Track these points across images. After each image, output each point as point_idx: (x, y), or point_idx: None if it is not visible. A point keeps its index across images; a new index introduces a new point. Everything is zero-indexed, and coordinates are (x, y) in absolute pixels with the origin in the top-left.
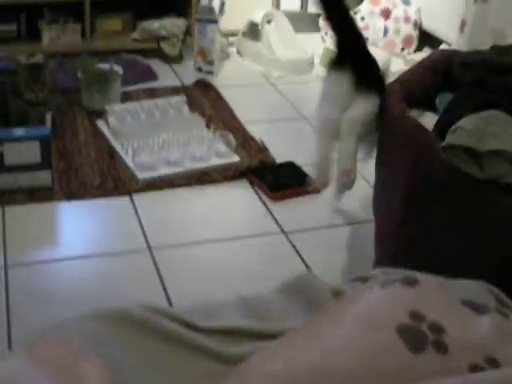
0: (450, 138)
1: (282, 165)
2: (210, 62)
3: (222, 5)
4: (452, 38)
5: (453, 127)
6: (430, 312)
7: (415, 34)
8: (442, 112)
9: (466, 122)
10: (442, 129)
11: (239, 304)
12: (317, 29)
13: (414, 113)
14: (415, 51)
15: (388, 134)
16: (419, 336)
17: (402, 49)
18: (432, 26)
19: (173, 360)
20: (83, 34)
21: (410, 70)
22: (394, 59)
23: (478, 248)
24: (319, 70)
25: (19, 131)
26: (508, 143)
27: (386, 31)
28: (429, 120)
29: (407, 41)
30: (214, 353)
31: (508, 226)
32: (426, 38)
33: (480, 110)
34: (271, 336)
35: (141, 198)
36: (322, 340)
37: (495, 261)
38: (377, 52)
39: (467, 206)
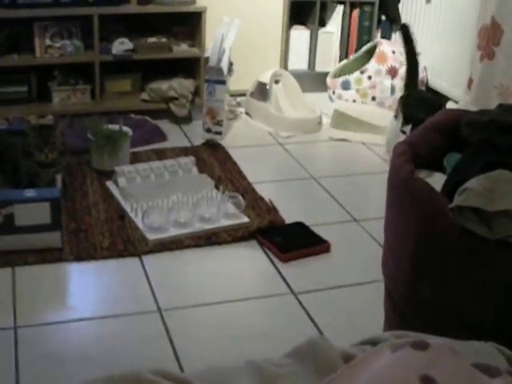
0: (458, 199)
1: (291, 225)
2: (219, 123)
3: (230, 65)
4: (458, 95)
5: (461, 188)
6: (441, 376)
7: None
8: (450, 172)
9: (474, 183)
10: (450, 189)
11: (250, 369)
12: (324, 88)
13: (422, 174)
14: None
15: (396, 194)
16: None
17: None
18: (439, 83)
19: None
20: (93, 95)
21: (418, 131)
22: None
23: (489, 308)
24: (330, 132)
25: (30, 192)
26: None
27: (392, 90)
28: (437, 181)
29: None
30: None
31: None
32: None
33: (488, 169)
34: None
35: (150, 260)
36: None
37: (507, 321)
38: (384, 112)
39: (477, 266)
